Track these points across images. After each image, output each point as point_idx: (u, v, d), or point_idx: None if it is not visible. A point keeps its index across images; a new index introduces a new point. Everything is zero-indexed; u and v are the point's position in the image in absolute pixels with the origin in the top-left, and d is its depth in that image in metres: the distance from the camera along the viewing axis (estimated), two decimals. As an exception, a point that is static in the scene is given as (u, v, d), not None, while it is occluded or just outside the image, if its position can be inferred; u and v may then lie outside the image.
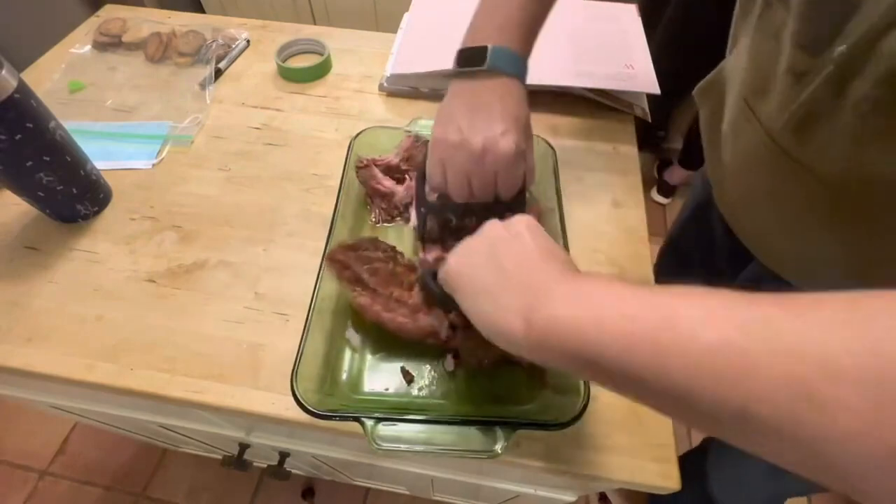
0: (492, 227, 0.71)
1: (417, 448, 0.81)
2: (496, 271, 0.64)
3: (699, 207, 1.40)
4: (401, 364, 0.92)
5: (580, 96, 1.36)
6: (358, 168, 1.08)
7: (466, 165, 0.86)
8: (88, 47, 1.54)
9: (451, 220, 0.96)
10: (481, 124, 0.85)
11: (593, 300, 0.52)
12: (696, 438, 2.14)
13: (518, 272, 0.62)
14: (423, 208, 0.97)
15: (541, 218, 1.04)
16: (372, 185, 1.08)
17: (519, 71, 0.90)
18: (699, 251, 1.46)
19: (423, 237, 0.98)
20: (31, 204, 1.09)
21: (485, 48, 0.88)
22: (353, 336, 0.94)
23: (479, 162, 0.85)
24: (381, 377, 0.91)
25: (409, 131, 1.11)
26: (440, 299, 0.79)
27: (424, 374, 0.92)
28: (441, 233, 0.97)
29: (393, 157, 1.09)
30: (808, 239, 0.92)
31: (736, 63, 1.01)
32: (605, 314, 0.50)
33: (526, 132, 0.90)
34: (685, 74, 2.80)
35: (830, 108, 0.74)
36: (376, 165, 1.08)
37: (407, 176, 1.09)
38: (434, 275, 0.80)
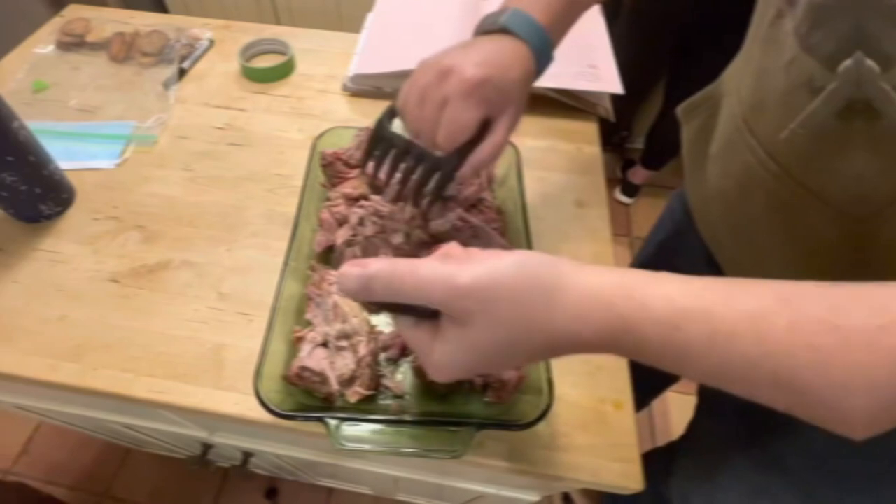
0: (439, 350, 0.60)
1: (381, 448, 0.82)
2: (490, 356, 0.57)
3: (677, 231, 1.36)
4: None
5: (543, 96, 1.36)
6: (324, 165, 1.08)
7: (427, 80, 0.82)
8: (52, 47, 1.53)
9: (391, 149, 0.91)
10: (461, 53, 0.82)
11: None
12: (661, 440, 2.15)
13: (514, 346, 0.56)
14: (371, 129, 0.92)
15: (501, 217, 1.05)
16: (341, 178, 1.09)
17: (533, 37, 0.84)
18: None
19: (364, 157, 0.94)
20: (-7, 204, 1.09)
21: (503, 10, 0.85)
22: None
23: (439, 80, 0.81)
24: (345, 377, 0.91)
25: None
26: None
27: (388, 375, 0.92)
28: (378, 162, 0.92)
29: (354, 150, 1.10)
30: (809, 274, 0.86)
31: (736, 77, 0.97)
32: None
33: (504, 94, 0.83)
34: (645, 70, 2.82)
35: (841, 130, 0.70)
36: (339, 159, 1.09)
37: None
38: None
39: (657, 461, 1.58)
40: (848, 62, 0.63)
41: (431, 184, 0.87)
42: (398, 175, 0.91)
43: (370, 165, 0.92)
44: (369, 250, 1.00)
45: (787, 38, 0.75)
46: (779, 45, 0.78)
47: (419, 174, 0.87)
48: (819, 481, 1.07)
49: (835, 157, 0.72)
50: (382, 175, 0.92)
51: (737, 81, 0.95)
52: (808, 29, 0.70)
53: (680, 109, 1.17)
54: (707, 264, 1.12)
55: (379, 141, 0.90)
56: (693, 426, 1.55)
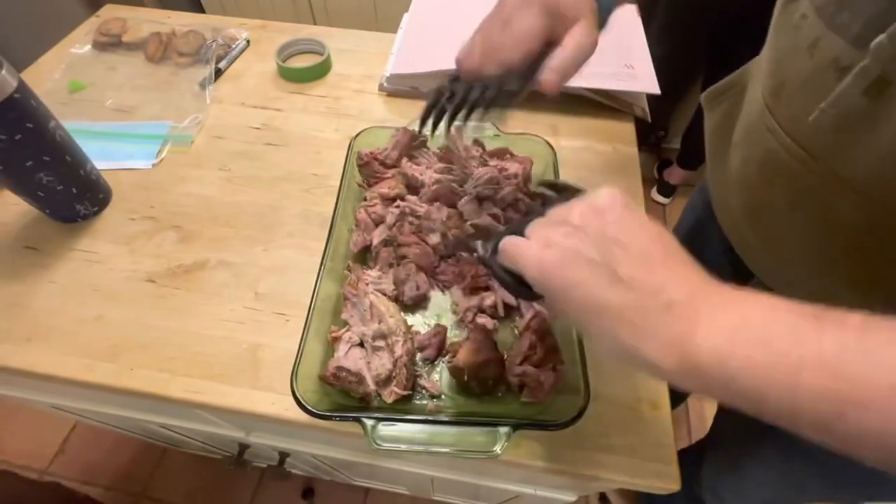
0: (583, 215, 0.60)
1: (417, 448, 0.81)
2: (619, 286, 0.54)
3: (699, 224, 1.37)
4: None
5: (580, 96, 1.36)
6: (360, 165, 1.08)
7: (489, 21, 0.84)
8: (88, 47, 1.54)
9: (453, 94, 0.88)
10: None
11: (742, 331, 0.50)
12: (696, 437, 2.14)
13: (650, 286, 0.54)
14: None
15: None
16: (377, 178, 1.09)
17: None
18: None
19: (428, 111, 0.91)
20: (30, 204, 1.09)
21: None
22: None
23: (499, 12, 0.82)
24: (381, 377, 0.90)
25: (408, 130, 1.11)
26: (513, 290, 0.71)
27: (425, 375, 0.91)
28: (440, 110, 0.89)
29: (391, 149, 1.10)
30: (826, 265, 0.86)
31: (761, 63, 0.95)
32: (754, 353, 0.49)
33: (567, 6, 0.78)
34: (681, 70, 2.79)
35: (868, 109, 0.68)
36: (376, 159, 1.09)
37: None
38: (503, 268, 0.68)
39: (689, 460, 1.58)
40: (882, 37, 0.62)
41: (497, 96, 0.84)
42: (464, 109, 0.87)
43: (429, 123, 0.90)
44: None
45: (808, 18, 0.74)
46: (799, 26, 0.77)
47: (491, 89, 0.83)
48: (844, 466, 1.06)
49: (861, 137, 0.70)
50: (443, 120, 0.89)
51: (760, 66, 0.95)
52: (834, 8, 0.70)
53: (703, 97, 1.15)
54: (727, 255, 1.12)
55: (437, 95, 0.88)
56: (717, 420, 1.56)
